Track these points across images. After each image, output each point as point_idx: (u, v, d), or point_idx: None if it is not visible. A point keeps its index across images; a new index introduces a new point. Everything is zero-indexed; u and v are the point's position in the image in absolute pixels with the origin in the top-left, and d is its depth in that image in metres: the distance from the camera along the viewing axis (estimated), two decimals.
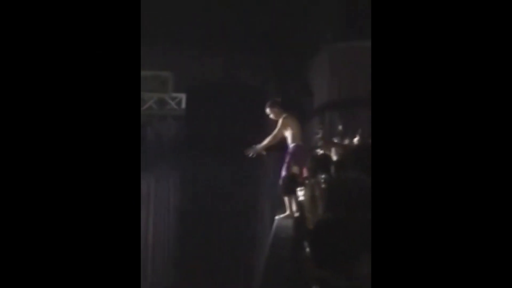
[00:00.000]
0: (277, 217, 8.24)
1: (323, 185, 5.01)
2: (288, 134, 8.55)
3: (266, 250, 7.13)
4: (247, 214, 16.17)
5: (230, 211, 16.34)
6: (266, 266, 4.48)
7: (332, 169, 5.02)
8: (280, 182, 8.11)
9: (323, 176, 5.22)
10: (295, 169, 8.06)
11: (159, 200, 17.13)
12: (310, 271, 3.57)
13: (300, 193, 6.64)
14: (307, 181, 6.27)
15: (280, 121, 8.60)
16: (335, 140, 8.24)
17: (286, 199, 7.91)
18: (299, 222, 6.12)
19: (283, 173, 8.27)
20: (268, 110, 8.75)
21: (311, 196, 3.83)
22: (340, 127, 9.19)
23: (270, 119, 8.77)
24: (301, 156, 8.11)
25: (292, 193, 7.13)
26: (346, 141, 7.77)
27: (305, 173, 7.61)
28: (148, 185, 17.08)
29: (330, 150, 7.86)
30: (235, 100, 15.80)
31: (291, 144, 8.49)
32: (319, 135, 7.74)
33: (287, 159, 8.44)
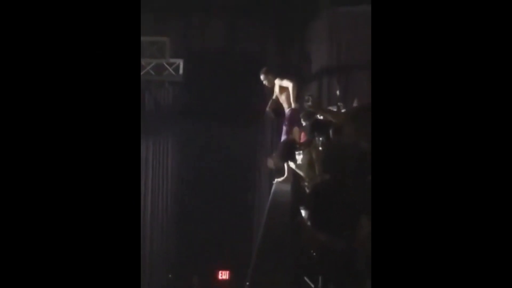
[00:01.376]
0: (275, 181, 8.26)
1: (320, 148, 5.02)
2: (284, 99, 8.55)
3: (264, 215, 7.15)
4: (245, 178, 16.20)
5: (228, 176, 16.36)
6: (264, 231, 4.50)
7: (331, 133, 5.02)
8: (279, 147, 8.12)
9: (321, 138, 5.22)
10: (293, 134, 8.06)
11: (157, 164, 17.10)
12: (307, 235, 3.58)
13: (298, 157, 6.64)
14: (305, 145, 6.27)
15: (275, 87, 8.62)
16: (330, 108, 8.21)
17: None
18: (296, 186, 6.14)
19: (281, 138, 8.28)
20: (262, 77, 8.80)
21: (309, 160, 3.83)
22: (338, 92, 9.15)
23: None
24: (297, 120, 8.11)
25: (290, 158, 7.13)
26: (343, 106, 7.72)
27: (303, 137, 7.60)
28: (147, 150, 17.03)
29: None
30: (233, 66, 15.73)
31: (287, 109, 8.49)
32: (309, 103, 7.68)
33: (284, 124, 8.45)
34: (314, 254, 3.33)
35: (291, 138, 7.98)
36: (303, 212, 4.49)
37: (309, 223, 3.75)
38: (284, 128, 8.38)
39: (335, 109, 7.77)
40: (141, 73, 15.54)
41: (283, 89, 8.55)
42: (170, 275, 16.35)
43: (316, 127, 5.79)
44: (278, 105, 8.26)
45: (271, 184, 8.25)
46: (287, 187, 6.98)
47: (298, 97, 8.50)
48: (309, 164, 4.39)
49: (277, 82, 8.63)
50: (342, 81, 10.13)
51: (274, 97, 8.69)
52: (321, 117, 6.63)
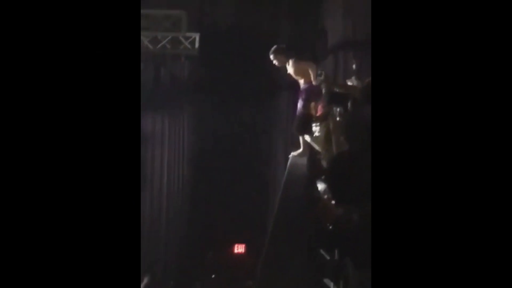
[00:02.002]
0: (290, 155, 8.25)
1: (338, 119, 4.99)
2: (299, 77, 8.50)
3: (280, 189, 7.14)
4: (261, 152, 16.20)
5: (243, 150, 16.36)
6: (280, 205, 4.50)
7: (349, 104, 4.98)
8: (295, 120, 8.08)
9: (338, 109, 5.19)
10: (310, 108, 8.02)
11: (172, 138, 17.11)
12: (323, 209, 3.58)
13: (315, 129, 6.60)
14: (322, 118, 6.25)
15: (290, 67, 8.54)
16: (349, 82, 8.14)
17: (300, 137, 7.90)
18: (312, 159, 6.13)
19: (298, 111, 8.23)
20: (272, 57, 8.69)
21: (325, 132, 3.80)
22: (354, 67, 9.08)
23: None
24: (314, 94, 8.05)
25: (307, 131, 7.08)
26: (359, 81, 7.66)
27: (320, 110, 7.57)
28: (163, 124, 17.04)
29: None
30: (248, 40, 15.66)
31: (303, 85, 8.44)
32: (322, 77, 7.60)
33: (301, 98, 8.40)
34: (330, 227, 3.33)
35: (308, 111, 7.93)
36: (318, 186, 4.48)
37: (325, 196, 3.75)
38: (301, 102, 8.33)
39: (350, 84, 7.71)
40: (157, 47, 15.52)
41: (300, 69, 8.48)
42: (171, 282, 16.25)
43: (334, 99, 5.74)
44: (308, 115, 7.97)
45: (287, 158, 8.24)
46: (303, 161, 6.98)
47: (306, 72, 8.41)
48: (325, 136, 4.36)
49: (294, 62, 8.55)
50: (359, 56, 10.04)
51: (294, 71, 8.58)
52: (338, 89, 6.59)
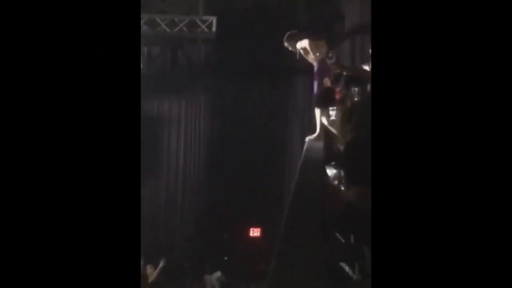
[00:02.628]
0: (307, 139, 8.22)
1: (356, 98, 4.95)
2: (313, 57, 8.41)
3: (296, 173, 7.14)
4: (277, 135, 16.18)
5: (260, 133, 16.35)
6: (296, 189, 4.49)
7: (368, 87, 4.95)
8: (314, 98, 7.97)
9: (357, 89, 5.16)
10: (326, 83, 7.91)
11: (189, 121, 17.13)
12: (333, 195, 3.58)
13: (332, 113, 6.55)
14: (339, 101, 6.21)
15: (303, 48, 8.44)
16: (365, 67, 8.07)
17: (317, 119, 7.85)
18: (329, 143, 6.12)
19: (315, 90, 8.11)
20: (286, 44, 8.63)
21: (342, 115, 3.75)
22: (370, 51, 9.02)
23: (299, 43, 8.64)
24: (327, 70, 7.94)
25: (327, 104, 6.96)
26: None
27: (337, 94, 7.50)
28: (179, 107, 17.07)
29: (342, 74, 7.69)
30: (265, 24, 15.62)
31: (317, 66, 8.33)
32: (332, 60, 7.52)
33: (314, 79, 8.31)
34: (340, 213, 3.33)
35: (326, 86, 7.83)
36: (328, 171, 4.46)
37: (335, 182, 3.74)
38: (315, 82, 8.25)
39: (365, 68, 7.65)
40: (174, 30, 15.52)
41: (313, 49, 8.42)
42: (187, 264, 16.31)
43: (353, 80, 5.68)
44: (327, 90, 7.85)
45: (303, 141, 8.22)
46: (319, 144, 6.95)
47: (319, 50, 8.29)
48: (342, 120, 4.32)
49: (298, 46, 8.49)
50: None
51: (298, 57, 8.51)
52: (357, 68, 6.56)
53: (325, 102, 7.18)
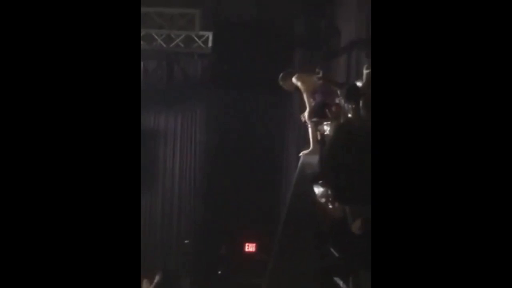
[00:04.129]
0: (301, 154, 8.27)
1: (349, 114, 4.97)
2: (308, 90, 8.37)
3: (291, 187, 7.17)
4: (272, 150, 16.18)
5: (255, 147, 16.35)
6: (290, 204, 4.54)
7: (361, 103, 4.95)
8: (309, 108, 7.97)
9: (353, 106, 5.18)
10: (318, 98, 7.92)
11: (185, 134, 17.15)
12: (321, 211, 3.60)
13: (326, 128, 6.58)
14: (335, 115, 6.25)
15: (297, 84, 8.38)
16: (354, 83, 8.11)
17: (310, 134, 7.88)
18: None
19: (313, 104, 8.07)
20: (281, 83, 8.61)
21: (335, 129, 3.74)
22: (366, 67, 9.05)
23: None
24: (327, 93, 7.97)
25: (321, 114, 6.97)
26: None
27: (334, 108, 7.50)
28: (175, 121, 17.09)
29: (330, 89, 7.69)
30: (262, 38, 15.68)
31: (313, 95, 8.28)
32: (319, 75, 7.57)
33: (313, 99, 8.32)
34: (328, 229, 3.35)
35: (319, 101, 7.84)
36: (315, 190, 4.45)
37: (322, 200, 3.73)
38: (314, 102, 8.23)
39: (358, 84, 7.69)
40: (171, 45, 15.57)
41: (305, 82, 8.38)
42: (186, 241, 16.56)
43: (351, 95, 5.67)
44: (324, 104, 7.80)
45: (299, 156, 8.26)
46: (314, 159, 6.99)
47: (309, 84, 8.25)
48: (334, 135, 4.31)
49: (292, 85, 8.46)
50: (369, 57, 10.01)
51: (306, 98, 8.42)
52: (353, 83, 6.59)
53: (317, 116, 7.22)
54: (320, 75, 7.58)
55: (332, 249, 3.49)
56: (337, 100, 6.96)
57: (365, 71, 7.66)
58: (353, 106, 5.24)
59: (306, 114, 8.21)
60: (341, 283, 3.47)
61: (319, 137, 7.07)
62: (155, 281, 12.68)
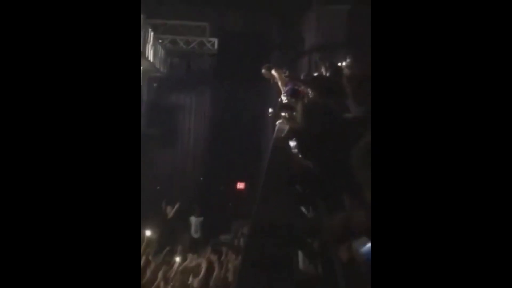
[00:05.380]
0: (277, 123, 8.11)
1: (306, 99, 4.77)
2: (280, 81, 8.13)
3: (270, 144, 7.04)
4: (260, 121, 16.07)
5: (248, 120, 16.33)
6: (270, 157, 4.39)
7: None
8: (284, 92, 7.74)
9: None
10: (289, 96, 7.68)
11: (198, 110, 17.28)
12: (297, 160, 3.47)
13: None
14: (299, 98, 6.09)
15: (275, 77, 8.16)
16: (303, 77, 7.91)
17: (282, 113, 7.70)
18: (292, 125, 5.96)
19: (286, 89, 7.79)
20: (263, 72, 8.33)
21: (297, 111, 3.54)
22: (323, 63, 8.86)
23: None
24: (295, 83, 7.75)
25: (293, 95, 6.78)
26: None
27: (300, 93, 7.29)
28: (191, 102, 17.24)
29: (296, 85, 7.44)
30: (255, 43, 15.84)
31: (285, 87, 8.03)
32: (286, 74, 7.40)
33: (285, 86, 8.07)
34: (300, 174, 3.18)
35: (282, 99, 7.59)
36: (291, 143, 4.29)
37: (295, 151, 3.59)
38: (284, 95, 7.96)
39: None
40: (188, 47, 15.73)
41: (274, 77, 8.16)
42: (201, 178, 16.58)
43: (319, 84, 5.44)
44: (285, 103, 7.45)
45: (275, 125, 8.12)
46: (285, 126, 6.84)
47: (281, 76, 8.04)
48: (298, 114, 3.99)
49: (270, 75, 8.22)
50: (325, 56, 9.88)
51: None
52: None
53: (289, 95, 7.06)
54: (287, 74, 7.43)
55: (297, 187, 3.34)
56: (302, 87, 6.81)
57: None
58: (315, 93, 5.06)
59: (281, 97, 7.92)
60: (305, 211, 3.34)
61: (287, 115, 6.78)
62: (176, 207, 12.59)
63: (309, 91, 5.50)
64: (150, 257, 7.39)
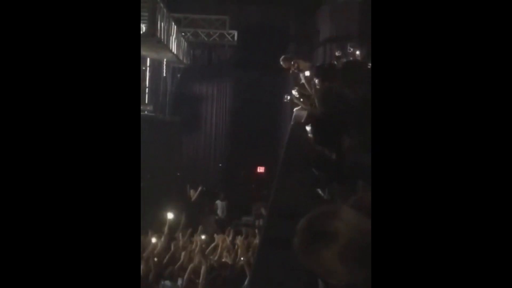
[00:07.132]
0: (294, 110, 8.06)
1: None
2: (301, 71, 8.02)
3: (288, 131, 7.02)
4: (278, 108, 16.01)
5: (266, 107, 16.27)
6: (287, 143, 4.39)
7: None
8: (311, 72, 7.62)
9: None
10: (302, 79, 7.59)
11: (219, 99, 17.32)
12: (309, 148, 3.44)
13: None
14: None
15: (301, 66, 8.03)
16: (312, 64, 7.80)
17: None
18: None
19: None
20: (282, 63, 8.22)
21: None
22: (337, 53, 8.77)
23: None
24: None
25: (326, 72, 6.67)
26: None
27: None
28: (212, 90, 17.22)
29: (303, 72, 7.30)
30: (271, 36, 15.82)
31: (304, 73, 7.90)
32: (296, 65, 7.29)
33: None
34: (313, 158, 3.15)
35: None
36: (307, 128, 4.25)
37: (311, 135, 3.54)
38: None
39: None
40: (210, 39, 15.74)
41: (299, 68, 8.02)
42: (220, 164, 16.64)
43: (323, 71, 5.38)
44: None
45: (292, 112, 8.08)
46: (303, 113, 6.81)
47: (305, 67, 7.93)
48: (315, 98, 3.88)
49: (292, 66, 8.09)
50: (339, 48, 9.80)
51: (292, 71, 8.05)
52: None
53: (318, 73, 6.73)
54: (297, 65, 7.22)
55: (313, 170, 3.31)
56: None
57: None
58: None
59: (305, 75, 7.55)
60: (322, 193, 3.33)
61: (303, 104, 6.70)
62: (198, 191, 12.66)
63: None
64: (175, 236, 7.48)
